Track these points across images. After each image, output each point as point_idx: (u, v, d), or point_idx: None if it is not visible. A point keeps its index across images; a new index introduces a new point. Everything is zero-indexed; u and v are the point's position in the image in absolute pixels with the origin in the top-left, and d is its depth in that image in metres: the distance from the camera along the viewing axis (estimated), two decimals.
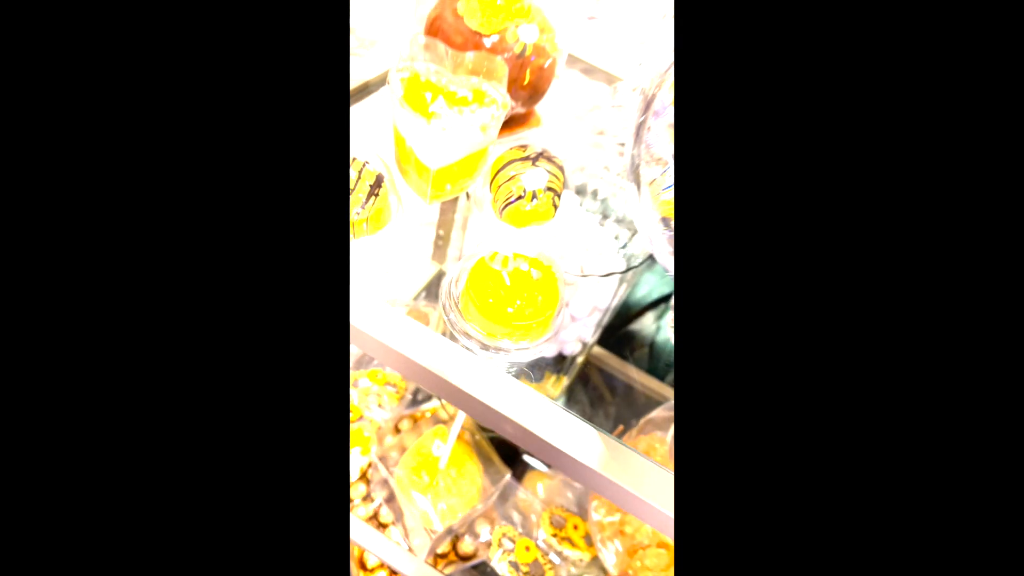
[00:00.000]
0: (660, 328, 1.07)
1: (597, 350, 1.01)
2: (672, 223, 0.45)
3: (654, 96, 0.42)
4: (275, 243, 0.29)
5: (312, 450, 0.30)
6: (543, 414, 0.44)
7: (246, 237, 0.29)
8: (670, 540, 0.69)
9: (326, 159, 0.30)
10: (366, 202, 0.45)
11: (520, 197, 0.48)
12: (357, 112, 0.63)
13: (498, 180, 0.48)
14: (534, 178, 0.48)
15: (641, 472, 0.43)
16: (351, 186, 0.45)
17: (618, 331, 1.05)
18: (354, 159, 0.46)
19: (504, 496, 0.91)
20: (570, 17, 0.60)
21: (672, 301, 1.05)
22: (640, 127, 0.43)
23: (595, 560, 0.86)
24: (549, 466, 0.96)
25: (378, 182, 0.46)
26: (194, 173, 0.28)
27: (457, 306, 0.47)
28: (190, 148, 0.28)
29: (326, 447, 0.30)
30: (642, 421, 0.83)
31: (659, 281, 1.07)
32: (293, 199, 0.29)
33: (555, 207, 0.49)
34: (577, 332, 0.72)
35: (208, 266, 0.28)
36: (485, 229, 0.52)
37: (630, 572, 0.69)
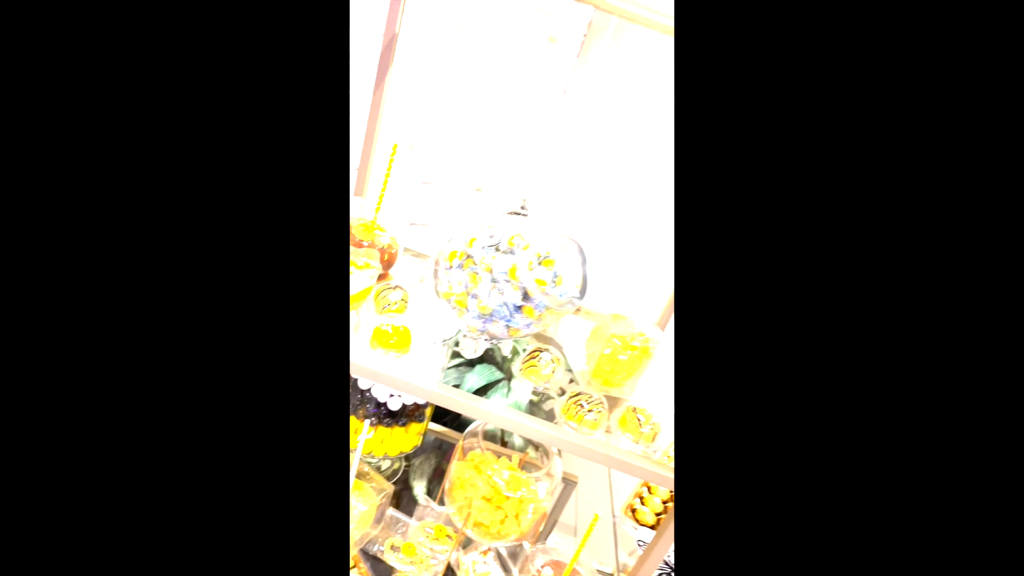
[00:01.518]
0: None
1: (441, 428, 1.60)
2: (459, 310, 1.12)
3: (437, 260, 1.12)
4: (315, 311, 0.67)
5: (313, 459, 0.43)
6: (423, 383, 1.03)
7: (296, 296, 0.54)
8: (493, 493, 1.24)
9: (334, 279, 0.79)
10: None
11: (389, 304, 1.13)
12: None
13: (379, 298, 1.13)
14: (395, 296, 1.14)
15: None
16: None
17: (459, 415, 1.65)
18: None
19: (391, 520, 1.39)
20: (403, 229, 1.32)
21: (493, 387, 1.67)
22: (434, 271, 1.11)
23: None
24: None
25: None
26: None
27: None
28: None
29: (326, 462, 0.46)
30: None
31: (482, 375, 1.70)
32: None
33: (406, 308, 1.15)
34: None
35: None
36: (371, 321, 1.14)
37: (471, 516, 1.23)
